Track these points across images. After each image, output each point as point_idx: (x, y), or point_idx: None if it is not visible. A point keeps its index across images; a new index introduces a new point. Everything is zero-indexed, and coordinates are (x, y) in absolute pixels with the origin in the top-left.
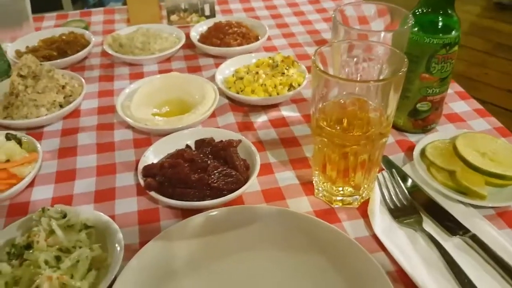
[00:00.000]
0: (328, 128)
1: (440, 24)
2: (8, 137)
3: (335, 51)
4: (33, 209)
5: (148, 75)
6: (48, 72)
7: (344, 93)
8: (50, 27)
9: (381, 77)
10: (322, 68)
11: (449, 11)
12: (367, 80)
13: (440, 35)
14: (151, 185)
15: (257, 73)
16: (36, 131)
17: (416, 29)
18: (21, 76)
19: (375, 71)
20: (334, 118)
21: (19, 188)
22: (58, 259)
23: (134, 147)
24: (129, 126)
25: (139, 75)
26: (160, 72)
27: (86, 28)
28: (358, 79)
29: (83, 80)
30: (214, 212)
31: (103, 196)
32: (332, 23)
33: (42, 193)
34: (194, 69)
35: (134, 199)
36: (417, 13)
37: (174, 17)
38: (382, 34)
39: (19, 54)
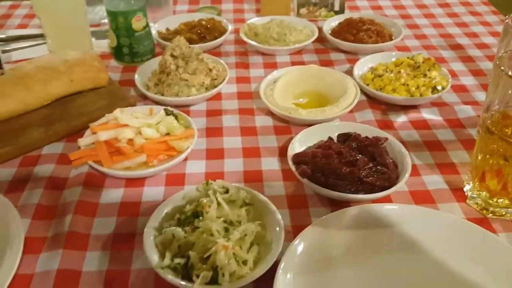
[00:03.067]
0: (506, 138)
1: None
2: (167, 112)
3: None
4: (189, 181)
5: (281, 65)
6: (198, 55)
7: None
8: (183, 11)
9: None
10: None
11: None
12: None
13: None
14: (305, 173)
15: (399, 72)
16: (183, 109)
17: None
18: (173, 56)
19: None
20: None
21: (178, 161)
22: (226, 230)
23: (275, 133)
24: (268, 113)
25: (273, 65)
26: (293, 63)
27: (219, 15)
28: None
29: (226, 65)
30: (372, 207)
31: (252, 177)
32: (503, 31)
33: (196, 167)
34: (326, 63)
35: (281, 183)
36: None
37: (303, 11)
38: None
39: (161, 34)
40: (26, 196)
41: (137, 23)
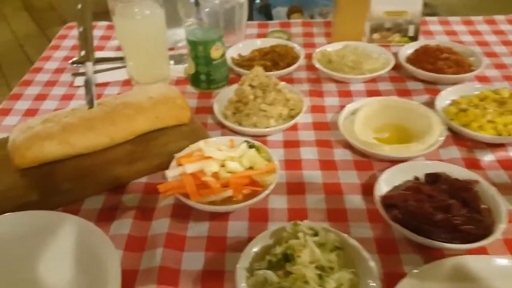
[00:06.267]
0: None
1: None
2: (250, 145)
3: None
4: (272, 217)
5: (356, 94)
6: (276, 85)
7: None
8: (253, 35)
9: None
10: None
11: None
12: None
13: None
14: (397, 218)
15: (484, 107)
16: (260, 139)
17: None
18: (251, 85)
19: None
20: None
21: (263, 196)
22: (320, 277)
23: (356, 168)
24: (347, 146)
25: (347, 93)
26: (368, 92)
27: (289, 39)
28: None
29: (302, 95)
30: (470, 259)
31: (336, 216)
32: None
33: (278, 202)
34: (403, 93)
35: (368, 225)
36: None
37: (376, 36)
38: None
39: (234, 61)
40: (117, 226)
41: (215, 52)
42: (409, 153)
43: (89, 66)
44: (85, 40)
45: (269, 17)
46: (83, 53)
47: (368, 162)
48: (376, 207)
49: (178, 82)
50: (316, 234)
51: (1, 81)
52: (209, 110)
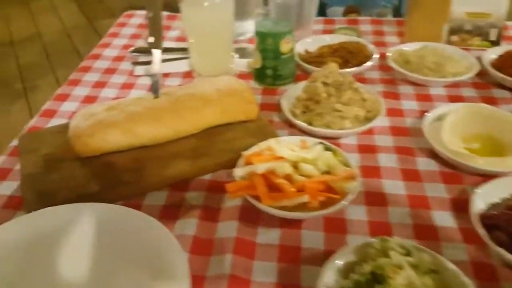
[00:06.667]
0: None
1: None
2: (326, 147)
3: None
4: (351, 229)
5: (436, 99)
6: (351, 84)
7: None
8: (319, 31)
9: None
10: None
11: None
12: None
13: None
14: (501, 241)
15: None
16: (332, 141)
17: None
18: (324, 83)
19: None
20: None
21: (342, 205)
22: None
23: (443, 181)
24: (431, 155)
25: (427, 97)
26: (450, 98)
27: (358, 37)
28: None
29: (379, 96)
30: None
31: (424, 234)
32: None
33: (357, 213)
34: (488, 100)
35: (462, 246)
36: None
37: (454, 38)
38: None
39: (302, 57)
40: (181, 225)
41: (285, 46)
42: (504, 167)
43: (157, 54)
44: (155, 27)
45: (323, 16)
46: (151, 39)
47: (457, 175)
48: (472, 227)
49: (240, 76)
50: (408, 253)
51: (48, 70)
52: (274, 107)
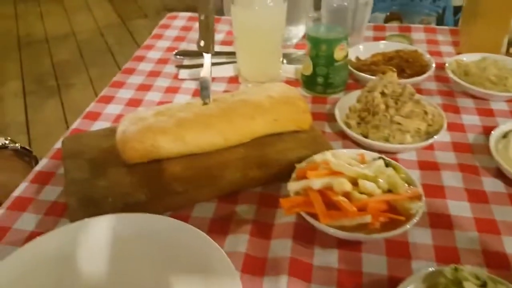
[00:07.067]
0: None
1: None
2: (386, 163)
3: None
4: (415, 254)
5: (498, 114)
6: (412, 95)
7: None
8: (369, 38)
9: None
10: None
11: None
12: None
13: None
14: None
15: None
16: (389, 156)
17: None
18: (382, 93)
19: None
20: None
21: (408, 227)
22: None
23: None
24: (497, 174)
25: (488, 112)
26: None
27: (411, 45)
28: None
29: (441, 109)
30: None
31: (495, 262)
32: None
33: (420, 236)
34: None
35: None
36: None
37: None
38: None
39: (353, 64)
40: (232, 241)
41: (339, 53)
42: None
43: (208, 58)
44: (207, 30)
45: None
46: (202, 43)
47: None
48: None
49: (287, 83)
50: (483, 284)
51: (82, 68)
52: (326, 117)
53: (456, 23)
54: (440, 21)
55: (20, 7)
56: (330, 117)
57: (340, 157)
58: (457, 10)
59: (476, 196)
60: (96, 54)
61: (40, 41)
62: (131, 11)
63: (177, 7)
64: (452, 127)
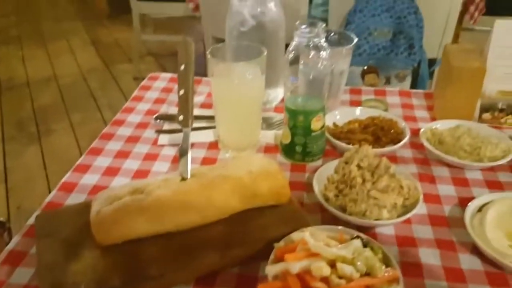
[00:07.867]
0: None
1: None
2: (364, 243)
3: None
4: None
5: (473, 183)
6: (388, 169)
7: None
8: (345, 102)
9: None
10: None
11: None
12: None
13: None
14: None
15: None
16: (367, 232)
17: None
18: (358, 166)
19: None
20: None
21: None
22: None
23: (489, 283)
24: (473, 251)
25: (463, 182)
26: (488, 183)
27: (386, 110)
28: None
29: (417, 182)
30: None
31: None
32: None
33: None
34: None
35: None
36: None
37: (486, 116)
38: None
39: (330, 131)
40: None
41: (316, 123)
42: None
43: (187, 134)
44: (186, 104)
45: None
46: (181, 118)
47: (502, 276)
48: None
49: (267, 149)
50: None
51: (63, 113)
52: (304, 187)
53: (431, 75)
54: (415, 74)
55: (1, 50)
56: (308, 187)
57: (318, 235)
58: (432, 62)
59: (454, 275)
60: (78, 99)
61: (21, 85)
62: (115, 55)
63: (160, 52)
64: (428, 198)
